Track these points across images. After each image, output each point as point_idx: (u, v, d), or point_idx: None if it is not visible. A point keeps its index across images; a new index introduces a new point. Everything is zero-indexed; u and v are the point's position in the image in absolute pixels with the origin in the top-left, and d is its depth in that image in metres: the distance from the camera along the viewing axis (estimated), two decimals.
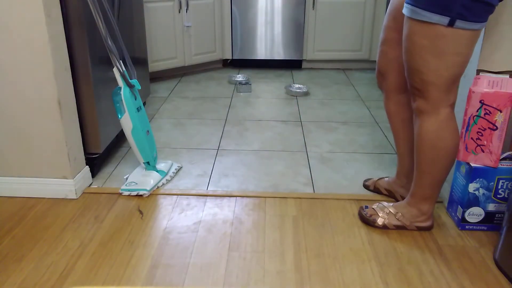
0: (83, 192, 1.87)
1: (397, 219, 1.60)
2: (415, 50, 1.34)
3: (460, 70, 1.35)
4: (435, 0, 1.23)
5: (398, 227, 1.61)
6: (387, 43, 1.57)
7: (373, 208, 1.65)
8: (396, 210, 1.61)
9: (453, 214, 1.68)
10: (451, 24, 1.24)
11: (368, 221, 1.64)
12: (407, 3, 1.32)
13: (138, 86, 1.84)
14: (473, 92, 1.48)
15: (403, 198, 1.76)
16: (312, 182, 1.98)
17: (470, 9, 1.22)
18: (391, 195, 1.82)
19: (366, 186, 1.92)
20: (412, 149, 1.67)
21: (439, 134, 1.42)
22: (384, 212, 1.62)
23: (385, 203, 1.65)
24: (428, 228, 1.61)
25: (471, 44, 1.30)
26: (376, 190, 1.88)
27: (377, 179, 1.90)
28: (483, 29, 1.48)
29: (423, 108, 1.42)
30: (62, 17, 1.69)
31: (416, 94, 1.43)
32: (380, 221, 1.61)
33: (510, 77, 1.53)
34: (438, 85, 1.35)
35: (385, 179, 1.87)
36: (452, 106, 1.42)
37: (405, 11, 1.34)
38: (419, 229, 1.60)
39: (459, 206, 1.63)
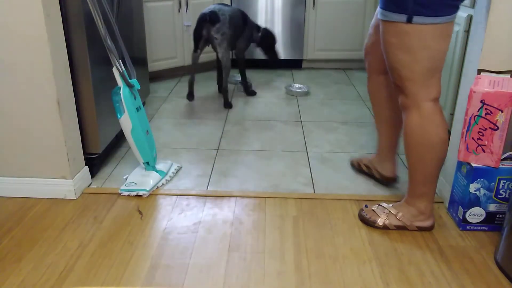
0: (82, 192, 1.86)
1: (398, 219, 1.60)
2: (388, 49, 1.42)
3: (433, 63, 1.38)
4: (393, 0, 1.33)
5: (399, 227, 1.61)
6: (374, 28, 1.68)
7: (372, 210, 1.65)
8: (396, 211, 1.61)
9: (454, 214, 1.68)
10: (409, 20, 1.31)
11: (368, 222, 1.64)
12: (379, 5, 1.43)
13: (137, 86, 1.84)
14: (474, 92, 1.47)
15: (379, 174, 1.89)
16: (313, 182, 1.97)
17: (424, 5, 1.29)
18: (369, 172, 1.95)
19: (352, 165, 2.07)
20: (387, 129, 1.79)
21: (423, 129, 1.44)
22: (384, 213, 1.62)
23: (385, 204, 1.65)
24: (429, 228, 1.61)
25: (439, 38, 1.34)
26: (359, 167, 2.02)
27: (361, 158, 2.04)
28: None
29: (405, 104, 1.47)
30: (62, 16, 1.68)
31: (398, 91, 1.48)
32: (380, 222, 1.62)
33: (511, 76, 1.52)
34: (413, 80, 1.40)
35: (368, 157, 1.97)
36: (435, 100, 1.43)
37: (377, 14, 1.44)
38: (420, 229, 1.60)
39: (460, 206, 1.63)
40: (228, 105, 2.93)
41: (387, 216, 1.61)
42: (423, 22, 1.30)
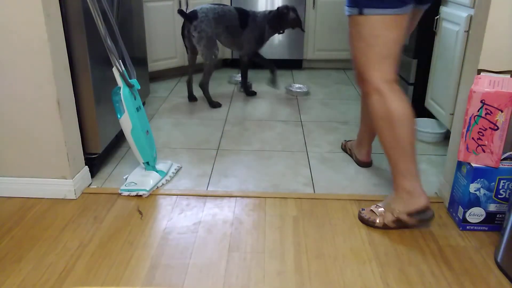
0: (82, 192, 1.86)
1: (392, 214, 1.59)
2: (350, 40, 1.62)
3: (384, 49, 1.52)
4: None
5: (397, 222, 1.59)
6: None
7: (371, 210, 1.66)
8: (389, 205, 1.61)
9: (454, 214, 1.68)
10: (361, 13, 1.50)
11: (368, 223, 1.65)
12: None
13: (137, 86, 1.84)
14: (474, 92, 1.47)
15: (355, 158, 2.15)
16: (313, 182, 1.97)
17: None
18: (350, 154, 2.22)
19: (341, 145, 2.33)
20: (368, 119, 1.94)
21: (384, 107, 1.55)
22: (381, 211, 1.63)
23: (380, 203, 1.66)
24: (425, 209, 1.54)
25: (389, 27, 1.50)
26: (345, 148, 2.28)
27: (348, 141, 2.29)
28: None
29: (366, 89, 1.60)
30: (61, 16, 1.68)
31: (360, 78, 1.63)
32: (379, 221, 1.62)
33: (511, 76, 1.52)
34: (369, 65, 1.56)
35: (352, 141, 2.23)
36: (391, 81, 1.56)
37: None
38: (418, 213, 1.55)
39: (460, 206, 1.63)
40: (212, 104, 2.92)
41: (384, 213, 1.62)
42: (373, 13, 1.48)
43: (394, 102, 1.53)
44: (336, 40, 3.79)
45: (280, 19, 3.00)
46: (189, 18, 2.74)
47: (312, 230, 1.62)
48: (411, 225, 1.59)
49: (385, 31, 1.50)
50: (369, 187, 1.93)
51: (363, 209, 1.70)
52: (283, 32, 3.08)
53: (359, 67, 1.60)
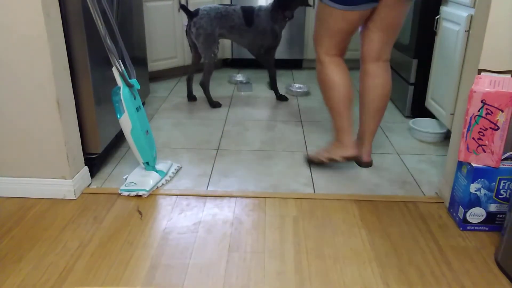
0: (82, 193, 1.86)
1: (329, 153, 2.04)
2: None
3: (329, 32, 1.87)
4: None
5: (331, 160, 2.03)
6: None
7: (315, 152, 2.12)
8: (329, 148, 2.07)
9: (454, 214, 1.68)
10: (321, 0, 1.83)
11: (313, 161, 2.10)
12: None
13: (137, 86, 1.83)
14: (475, 91, 1.47)
15: (358, 159, 2.20)
16: (313, 182, 1.97)
17: None
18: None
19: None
20: (361, 117, 2.11)
21: (324, 74, 1.95)
22: (322, 152, 2.08)
23: (324, 148, 2.11)
24: (353, 158, 2.03)
25: (336, 19, 1.82)
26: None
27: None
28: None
29: (316, 58, 2.00)
30: (61, 16, 1.68)
31: (315, 49, 2.00)
32: (321, 158, 2.05)
33: (511, 76, 1.52)
34: (317, 40, 1.95)
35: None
36: (332, 55, 1.93)
37: None
38: (346, 159, 2.01)
39: (460, 206, 1.62)
40: (212, 104, 2.91)
41: (323, 153, 2.06)
42: (328, 4, 1.80)
43: (332, 72, 1.93)
44: None
45: (284, 2, 2.84)
46: (190, 14, 2.76)
47: (312, 230, 1.62)
48: (341, 161, 2.05)
49: (332, 21, 1.84)
50: (369, 187, 1.93)
51: (309, 153, 2.20)
52: (293, 16, 2.92)
53: (313, 40, 1.99)
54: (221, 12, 2.81)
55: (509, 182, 1.54)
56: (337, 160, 2.01)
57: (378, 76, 1.95)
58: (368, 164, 2.12)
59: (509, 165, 1.52)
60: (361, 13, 1.79)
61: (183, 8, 2.74)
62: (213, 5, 2.84)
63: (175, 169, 2.05)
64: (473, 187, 1.56)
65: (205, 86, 2.90)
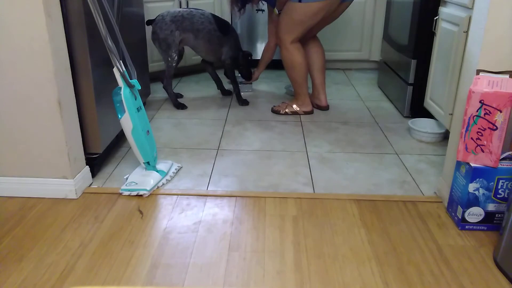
0: (83, 192, 1.87)
1: (292, 108, 2.78)
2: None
3: (292, 23, 2.55)
4: None
5: (293, 113, 2.77)
6: None
7: (279, 105, 2.84)
8: (290, 104, 2.80)
9: (453, 214, 1.69)
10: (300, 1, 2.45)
11: (277, 112, 2.80)
12: None
13: (138, 86, 1.84)
14: (473, 92, 1.48)
15: (318, 106, 2.89)
16: (312, 182, 1.98)
17: None
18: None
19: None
20: (311, 74, 2.90)
21: (287, 58, 2.65)
22: (284, 105, 2.81)
23: (287, 101, 2.85)
24: (310, 112, 2.79)
25: (302, 13, 2.48)
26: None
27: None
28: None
29: (280, 45, 2.66)
30: (62, 17, 1.69)
31: (278, 38, 2.66)
32: (283, 111, 2.79)
33: (510, 77, 1.53)
34: (284, 31, 2.58)
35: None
36: (294, 42, 2.60)
37: None
38: (305, 113, 2.78)
39: (459, 206, 1.63)
40: (176, 106, 2.91)
41: (286, 106, 2.79)
42: (295, 0, 2.44)
43: (296, 55, 2.62)
44: (336, 40, 3.80)
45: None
46: (148, 22, 2.79)
47: (312, 230, 1.63)
48: (300, 114, 2.79)
49: (297, 15, 2.49)
50: (369, 187, 1.94)
51: (274, 105, 2.88)
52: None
53: (280, 31, 2.59)
54: (182, 15, 2.75)
55: (507, 182, 1.54)
56: (298, 113, 2.77)
57: (318, 45, 2.86)
58: (326, 108, 2.88)
59: (507, 165, 1.53)
60: (320, 7, 2.45)
61: (147, 22, 2.78)
62: (175, 9, 2.80)
63: (176, 169, 2.05)
64: (471, 187, 1.57)
65: (167, 89, 2.89)
